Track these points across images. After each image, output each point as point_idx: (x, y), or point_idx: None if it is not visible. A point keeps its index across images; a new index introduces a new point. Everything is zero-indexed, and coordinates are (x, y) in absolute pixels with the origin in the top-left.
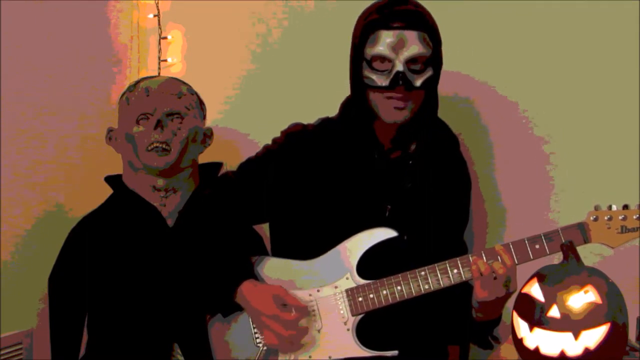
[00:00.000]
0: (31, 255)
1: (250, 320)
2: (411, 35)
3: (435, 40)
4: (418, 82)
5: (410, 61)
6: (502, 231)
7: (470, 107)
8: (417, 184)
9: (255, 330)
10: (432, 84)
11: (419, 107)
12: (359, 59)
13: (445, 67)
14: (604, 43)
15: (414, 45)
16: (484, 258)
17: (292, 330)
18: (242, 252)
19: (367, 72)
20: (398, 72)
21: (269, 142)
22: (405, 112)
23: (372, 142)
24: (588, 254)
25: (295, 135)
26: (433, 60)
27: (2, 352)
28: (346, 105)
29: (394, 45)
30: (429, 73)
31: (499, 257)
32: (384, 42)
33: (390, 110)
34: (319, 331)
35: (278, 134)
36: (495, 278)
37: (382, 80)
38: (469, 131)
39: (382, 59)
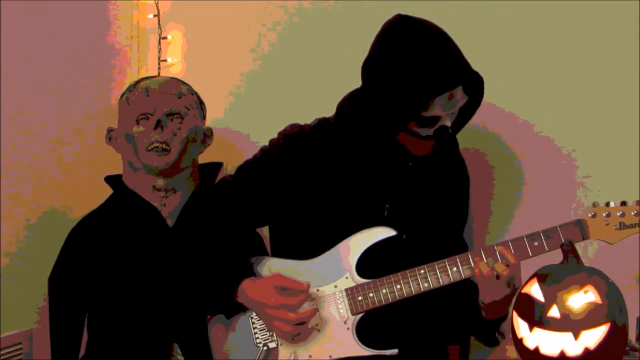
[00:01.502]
0: (31, 255)
1: (249, 320)
2: (458, 89)
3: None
4: (449, 123)
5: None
6: (504, 229)
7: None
8: (416, 182)
9: (255, 330)
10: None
11: None
12: (409, 115)
13: None
14: (602, 41)
15: (459, 98)
16: (483, 257)
17: (300, 314)
18: (242, 253)
19: (413, 126)
20: (444, 127)
21: (271, 140)
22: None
23: (401, 152)
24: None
25: (293, 137)
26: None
27: (2, 352)
28: (345, 104)
29: (445, 103)
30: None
31: (498, 257)
32: (437, 104)
33: (424, 149)
34: (319, 330)
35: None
36: (498, 278)
37: (426, 131)
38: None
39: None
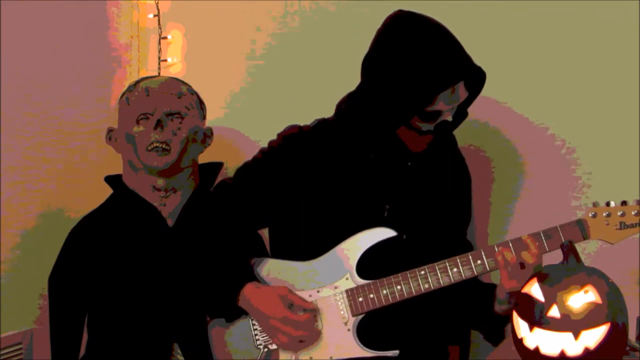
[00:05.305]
0: (31, 255)
1: (250, 322)
2: (460, 84)
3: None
4: (450, 118)
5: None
6: (505, 229)
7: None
8: (416, 182)
9: (256, 332)
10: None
11: None
12: (414, 110)
13: None
14: (603, 41)
15: (461, 94)
16: (512, 248)
17: (303, 331)
18: (242, 255)
19: (416, 120)
20: (445, 122)
21: (270, 141)
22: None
23: (400, 148)
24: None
25: (292, 138)
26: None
27: (2, 352)
28: (343, 106)
29: (449, 98)
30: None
31: (527, 247)
32: (441, 99)
33: (420, 145)
34: (319, 332)
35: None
36: (522, 267)
37: (427, 126)
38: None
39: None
